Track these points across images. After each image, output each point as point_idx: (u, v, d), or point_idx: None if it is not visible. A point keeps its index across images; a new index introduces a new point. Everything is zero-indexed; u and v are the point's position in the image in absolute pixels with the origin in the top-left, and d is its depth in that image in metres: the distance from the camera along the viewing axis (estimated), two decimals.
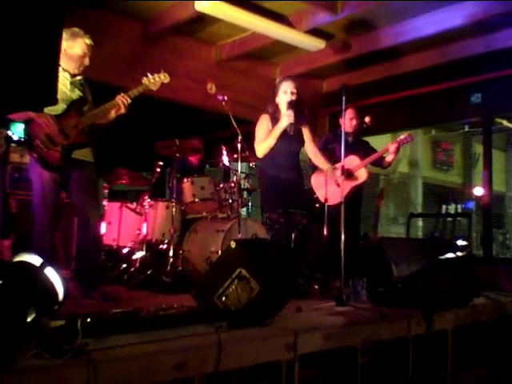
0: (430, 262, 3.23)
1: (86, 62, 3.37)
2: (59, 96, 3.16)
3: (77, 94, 3.36)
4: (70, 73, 3.34)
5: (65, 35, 3.26)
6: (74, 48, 3.30)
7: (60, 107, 3.24)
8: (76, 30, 3.33)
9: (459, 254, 3.43)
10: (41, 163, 3.17)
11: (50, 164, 3.18)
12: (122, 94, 3.30)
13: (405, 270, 3.24)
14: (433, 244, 3.98)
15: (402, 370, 2.90)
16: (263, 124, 3.87)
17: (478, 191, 6.51)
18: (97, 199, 3.55)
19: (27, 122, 3.21)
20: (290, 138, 3.85)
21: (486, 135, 6.16)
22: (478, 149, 10.79)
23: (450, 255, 3.33)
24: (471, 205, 8.38)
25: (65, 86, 3.32)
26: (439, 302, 3.07)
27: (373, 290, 3.31)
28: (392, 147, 4.46)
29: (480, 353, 3.48)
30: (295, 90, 3.83)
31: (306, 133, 3.99)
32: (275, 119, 3.84)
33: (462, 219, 6.67)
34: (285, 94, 3.83)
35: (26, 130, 3.23)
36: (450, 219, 6.32)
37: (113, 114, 3.33)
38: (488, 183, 5.89)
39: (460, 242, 4.22)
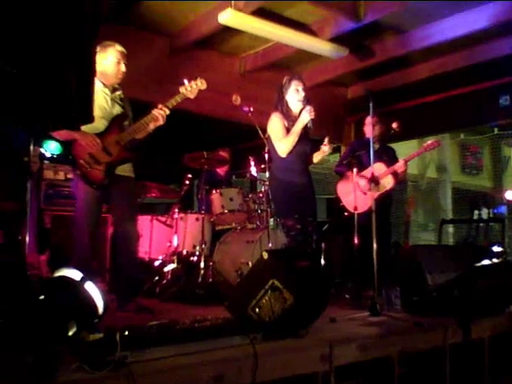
0: (465, 270, 3.17)
1: (123, 68, 3.41)
2: (100, 113, 3.26)
3: (117, 109, 3.42)
4: (110, 89, 3.40)
5: (98, 49, 3.33)
6: (107, 58, 3.36)
7: (102, 124, 3.30)
8: (105, 42, 3.40)
9: (495, 260, 3.36)
10: (85, 181, 3.23)
11: (94, 182, 3.24)
12: (160, 106, 3.32)
13: (439, 277, 3.17)
14: (467, 251, 3.89)
15: (439, 380, 2.84)
16: (278, 122, 3.68)
17: (510, 195, 6.36)
18: (136, 214, 3.58)
19: (71, 142, 3.28)
20: (303, 139, 3.68)
21: None
22: (508, 152, 10.58)
23: (486, 262, 3.26)
24: (503, 209, 8.18)
25: (105, 102, 3.38)
26: (476, 310, 3.01)
27: (407, 299, 3.26)
28: (398, 166, 4.41)
29: None
30: (304, 89, 3.73)
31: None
32: (288, 117, 3.68)
33: (494, 224, 6.53)
34: (296, 92, 3.69)
35: (69, 150, 3.29)
36: (482, 225, 6.18)
37: (151, 126, 3.35)
38: None
39: (496, 249, 4.12)
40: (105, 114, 3.34)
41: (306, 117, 3.60)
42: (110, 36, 4.85)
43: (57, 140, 4.78)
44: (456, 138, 11.23)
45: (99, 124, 3.28)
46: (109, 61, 3.36)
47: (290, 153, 3.64)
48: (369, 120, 4.51)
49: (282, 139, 3.64)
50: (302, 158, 3.71)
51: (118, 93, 3.48)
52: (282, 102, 3.74)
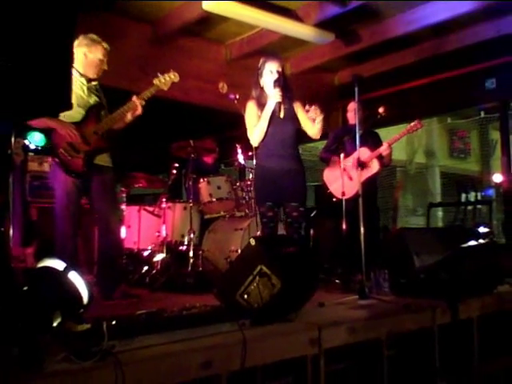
0: (452, 251, 3.19)
1: (105, 66, 3.45)
2: (77, 102, 3.25)
3: (94, 99, 3.42)
4: (86, 78, 3.41)
5: (83, 41, 3.36)
6: (93, 53, 3.38)
7: (79, 113, 3.30)
8: (93, 36, 3.42)
9: (481, 241, 3.38)
10: (65, 171, 3.24)
11: (74, 171, 3.25)
12: (135, 97, 3.35)
13: (427, 259, 3.19)
14: (454, 232, 3.92)
15: (428, 361, 2.87)
16: (251, 110, 3.60)
17: (498, 178, 6.42)
18: (116, 204, 3.62)
19: (50, 131, 3.29)
20: (282, 122, 3.54)
21: (502, 121, 6.09)
22: (495, 135, 10.64)
23: (473, 243, 3.28)
24: (491, 192, 8.25)
25: (82, 91, 3.38)
26: (463, 291, 3.03)
27: (395, 282, 3.28)
28: (383, 149, 4.42)
29: (506, 341, 3.43)
30: (280, 69, 3.55)
31: (299, 111, 3.61)
32: (261, 104, 3.56)
33: (482, 207, 6.59)
34: (270, 73, 3.53)
35: (49, 139, 3.31)
36: (470, 207, 6.23)
37: (129, 116, 3.38)
38: (507, 169, 5.81)
39: (482, 229, 4.15)
40: (81, 103, 3.35)
41: (273, 101, 3.49)
42: (93, 24, 4.82)
43: (41, 131, 4.75)
44: (443, 121, 11.28)
45: (76, 113, 3.28)
46: (94, 56, 3.39)
47: (266, 137, 3.56)
48: (352, 106, 4.51)
49: (252, 129, 3.58)
50: (283, 143, 3.56)
51: (95, 83, 3.48)
52: (256, 86, 3.62)
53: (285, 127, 3.57)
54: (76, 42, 3.38)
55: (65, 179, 3.25)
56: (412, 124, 4.44)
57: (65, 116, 3.23)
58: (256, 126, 3.55)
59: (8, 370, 1.61)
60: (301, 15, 5.26)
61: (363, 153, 4.35)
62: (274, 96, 3.48)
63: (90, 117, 3.34)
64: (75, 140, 3.24)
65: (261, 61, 3.62)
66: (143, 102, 3.37)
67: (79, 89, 3.36)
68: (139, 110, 3.37)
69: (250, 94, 3.67)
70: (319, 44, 5.72)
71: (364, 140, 4.41)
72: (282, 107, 3.54)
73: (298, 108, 3.63)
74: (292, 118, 3.61)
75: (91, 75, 3.42)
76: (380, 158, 4.46)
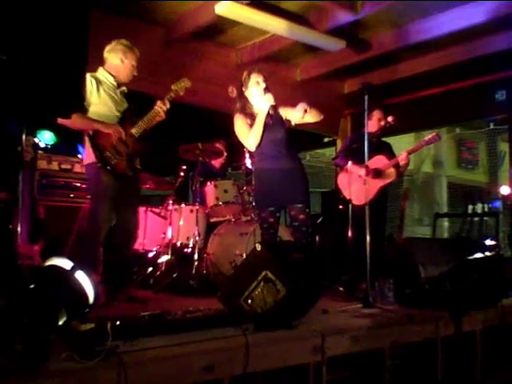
0: (457, 263, 3.18)
1: (135, 72, 3.53)
2: (114, 105, 3.37)
3: (125, 103, 3.50)
4: (118, 83, 3.48)
5: (118, 46, 3.45)
6: (128, 59, 3.46)
7: (116, 116, 3.38)
8: (127, 42, 3.50)
9: (487, 253, 3.37)
10: (111, 173, 3.27)
11: (119, 174, 3.30)
12: (160, 101, 3.44)
13: (432, 270, 3.19)
14: (460, 244, 3.91)
15: (430, 372, 2.86)
16: (240, 121, 3.61)
17: (505, 190, 6.38)
18: (138, 206, 3.66)
19: (94, 134, 3.30)
20: (272, 128, 3.58)
21: (511, 132, 6.06)
22: (504, 147, 10.60)
23: (479, 255, 3.27)
24: (498, 204, 8.21)
25: (116, 94, 3.45)
26: (467, 303, 3.03)
27: (400, 292, 3.27)
28: (401, 158, 4.45)
29: (509, 354, 3.41)
30: (265, 80, 3.61)
31: (284, 110, 3.65)
32: (247, 114, 3.61)
33: (488, 219, 6.56)
34: (257, 84, 3.58)
35: (94, 142, 3.30)
36: (476, 219, 6.21)
37: (157, 119, 3.47)
38: None
39: (488, 242, 4.13)
40: (117, 106, 3.42)
41: (266, 104, 3.52)
42: (105, 27, 4.86)
43: (51, 130, 4.77)
44: (452, 132, 11.26)
45: (114, 116, 3.37)
46: (129, 62, 3.47)
47: (263, 143, 3.57)
48: (377, 114, 4.54)
49: (247, 135, 3.59)
50: (275, 144, 3.58)
51: (123, 88, 3.56)
52: (240, 98, 3.67)
53: (274, 132, 3.60)
54: (109, 47, 3.49)
55: (108, 183, 3.27)
56: (430, 136, 4.44)
57: (106, 118, 3.34)
58: (251, 131, 3.57)
59: (11, 367, 1.62)
60: (312, 22, 5.28)
61: (381, 160, 4.36)
62: (267, 101, 3.53)
63: (125, 120, 3.40)
64: (116, 140, 3.27)
65: (244, 74, 3.68)
66: (168, 106, 3.45)
67: (113, 92, 3.44)
68: (163, 115, 3.45)
69: (234, 108, 3.69)
70: (330, 51, 5.72)
71: (381, 148, 4.43)
72: (271, 112, 3.56)
73: (282, 111, 3.67)
74: (280, 122, 3.65)
75: (124, 80, 3.49)
76: (396, 166, 4.48)
